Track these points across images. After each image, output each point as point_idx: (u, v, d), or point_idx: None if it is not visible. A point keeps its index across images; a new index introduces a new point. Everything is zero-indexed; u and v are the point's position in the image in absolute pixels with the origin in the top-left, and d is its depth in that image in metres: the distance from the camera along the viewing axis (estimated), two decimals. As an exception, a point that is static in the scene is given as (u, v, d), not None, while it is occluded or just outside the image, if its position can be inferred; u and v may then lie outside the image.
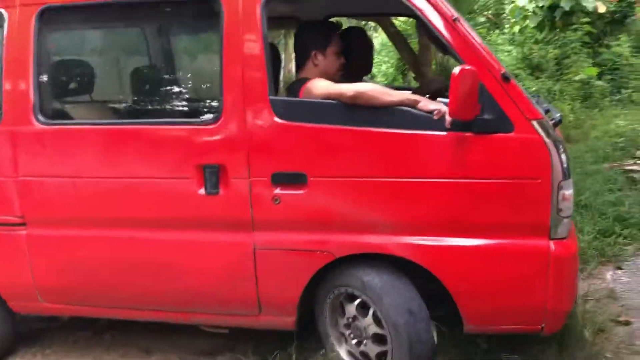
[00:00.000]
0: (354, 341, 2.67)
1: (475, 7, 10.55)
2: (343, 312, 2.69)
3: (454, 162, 2.35)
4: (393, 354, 2.53)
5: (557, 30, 9.93)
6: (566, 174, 2.33)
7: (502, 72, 2.30)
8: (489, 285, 2.44)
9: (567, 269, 2.41)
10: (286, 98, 2.62)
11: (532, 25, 10.28)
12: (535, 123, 2.29)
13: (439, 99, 2.47)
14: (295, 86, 2.69)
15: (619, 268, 3.79)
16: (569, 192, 2.35)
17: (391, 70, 11.69)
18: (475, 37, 2.38)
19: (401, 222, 2.45)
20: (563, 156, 2.33)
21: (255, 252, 2.60)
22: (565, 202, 2.33)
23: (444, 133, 2.34)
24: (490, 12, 12.20)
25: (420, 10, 2.39)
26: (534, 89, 8.86)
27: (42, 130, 2.72)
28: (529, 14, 10.25)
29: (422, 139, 2.37)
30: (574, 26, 9.40)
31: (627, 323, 3.13)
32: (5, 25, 2.73)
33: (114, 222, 2.75)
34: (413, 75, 7.90)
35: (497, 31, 11.93)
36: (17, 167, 2.76)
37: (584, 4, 9.70)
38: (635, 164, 5.48)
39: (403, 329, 2.48)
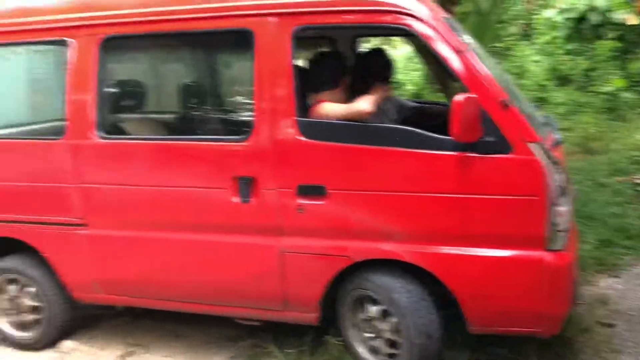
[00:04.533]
0: (368, 335, 2.98)
1: (506, 17, 10.68)
2: (364, 309, 2.97)
3: (459, 179, 2.63)
4: None
5: (586, 41, 10.00)
6: (562, 192, 2.58)
7: (502, 99, 2.57)
8: (491, 290, 2.71)
9: (562, 277, 2.65)
10: (310, 119, 2.93)
11: (561, 35, 10.37)
12: (532, 145, 2.55)
13: None
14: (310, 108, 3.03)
15: (615, 276, 4.00)
16: (564, 208, 2.59)
17: (420, 79, 11.87)
18: (479, 65, 2.64)
19: (411, 231, 2.74)
20: (559, 175, 2.57)
21: (281, 255, 2.93)
22: (560, 218, 2.58)
23: (452, 153, 2.61)
24: (521, 21, 12.30)
25: (428, 39, 2.67)
26: (561, 100, 8.98)
27: (101, 144, 3.12)
28: (558, 24, 10.35)
29: (432, 158, 2.65)
30: (603, 39, 9.46)
31: (611, 325, 3.36)
32: (72, 52, 3.14)
33: (161, 225, 3.12)
34: (438, 86, 8.11)
35: (526, 41, 12.00)
36: (78, 176, 3.17)
37: (613, 16, 9.76)
38: (645, 177, 5.59)
39: (418, 348, 2.80)
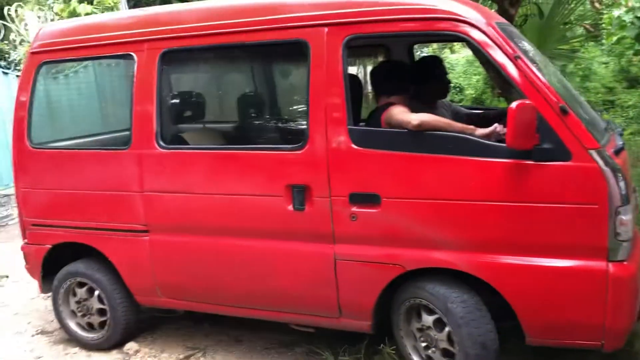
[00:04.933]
0: (422, 344, 2.95)
1: (572, 17, 10.32)
2: (418, 317, 2.95)
3: (515, 187, 2.58)
4: None
5: (659, 41, 9.52)
6: (624, 200, 2.48)
7: (560, 105, 2.50)
8: (550, 302, 2.63)
9: (625, 289, 2.54)
10: (362, 127, 2.95)
11: (630, 35, 9.90)
12: (593, 152, 2.46)
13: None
14: (379, 111, 3.05)
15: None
16: (626, 217, 2.49)
17: (481, 83, 11.68)
18: (537, 72, 2.58)
19: (465, 240, 2.70)
20: (622, 183, 2.47)
21: (335, 262, 2.95)
22: (623, 227, 2.48)
23: (507, 160, 2.56)
24: (588, 22, 11.85)
25: (482, 46, 2.64)
26: (630, 103, 8.61)
27: (161, 153, 3.26)
28: (627, 24, 9.89)
29: (486, 166, 2.61)
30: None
31: None
32: (136, 65, 3.30)
33: (219, 231, 3.22)
34: (498, 91, 7.93)
35: (592, 43, 11.56)
36: (142, 184, 3.33)
37: (689, 13, 9.25)
38: None
39: (473, 358, 2.74)
